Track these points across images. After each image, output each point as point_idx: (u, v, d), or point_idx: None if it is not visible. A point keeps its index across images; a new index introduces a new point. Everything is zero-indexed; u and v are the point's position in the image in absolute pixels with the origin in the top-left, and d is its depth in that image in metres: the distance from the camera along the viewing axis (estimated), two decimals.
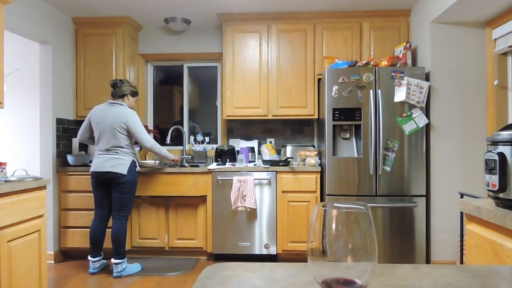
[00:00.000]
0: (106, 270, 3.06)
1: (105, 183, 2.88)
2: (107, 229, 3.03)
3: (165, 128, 4.15)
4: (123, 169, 2.81)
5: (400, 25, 3.47)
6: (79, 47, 3.64)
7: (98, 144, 2.89)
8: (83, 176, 3.32)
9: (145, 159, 3.87)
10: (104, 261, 3.10)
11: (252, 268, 0.66)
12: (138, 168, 2.97)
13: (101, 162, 2.82)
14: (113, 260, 2.87)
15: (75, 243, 3.33)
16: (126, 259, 2.94)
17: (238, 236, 3.24)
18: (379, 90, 2.94)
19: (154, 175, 3.23)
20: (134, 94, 3.02)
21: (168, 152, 3.13)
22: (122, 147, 2.85)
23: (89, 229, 3.29)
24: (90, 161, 3.60)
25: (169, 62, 4.10)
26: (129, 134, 2.88)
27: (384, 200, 2.96)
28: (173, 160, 3.22)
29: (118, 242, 2.86)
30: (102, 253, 3.00)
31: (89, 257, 2.96)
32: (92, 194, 3.30)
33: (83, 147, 3.80)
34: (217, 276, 0.62)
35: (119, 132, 2.82)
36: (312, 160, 3.24)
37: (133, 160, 2.89)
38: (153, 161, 3.34)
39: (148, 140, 2.88)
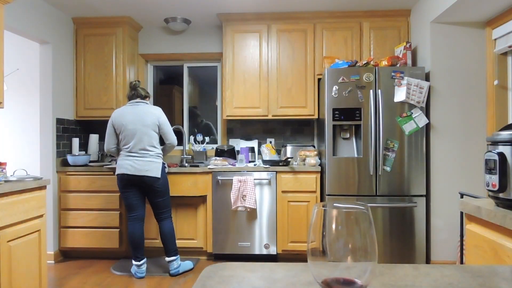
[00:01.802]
0: (105, 269, 3.06)
1: (136, 185, 2.82)
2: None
3: None
4: (158, 173, 2.79)
5: (400, 25, 3.47)
6: (79, 47, 3.63)
7: (126, 146, 2.81)
8: (83, 176, 3.32)
9: None
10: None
11: (252, 268, 0.66)
12: (167, 169, 2.99)
13: (133, 165, 2.75)
14: (168, 259, 2.89)
15: (75, 243, 3.33)
16: (179, 256, 2.95)
17: (238, 236, 3.24)
18: (379, 90, 2.94)
19: None
20: (150, 97, 3.09)
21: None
22: (155, 148, 2.83)
23: (90, 229, 3.30)
24: (91, 161, 3.60)
25: (169, 62, 4.10)
26: (159, 133, 2.89)
27: (384, 200, 2.96)
28: None
29: (171, 239, 2.88)
30: (144, 255, 2.90)
31: (133, 262, 2.85)
32: (93, 194, 3.30)
33: (83, 147, 3.80)
34: (217, 276, 0.62)
35: (153, 131, 2.81)
36: (312, 160, 3.24)
37: (163, 162, 2.90)
38: None
39: (175, 138, 2.94)
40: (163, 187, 2.87)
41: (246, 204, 3.14)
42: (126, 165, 2.77)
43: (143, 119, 2.80)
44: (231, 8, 3.43)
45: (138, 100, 2.91)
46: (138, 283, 2.79)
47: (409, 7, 3.39)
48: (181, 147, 3.94)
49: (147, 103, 2.93)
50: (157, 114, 2.86)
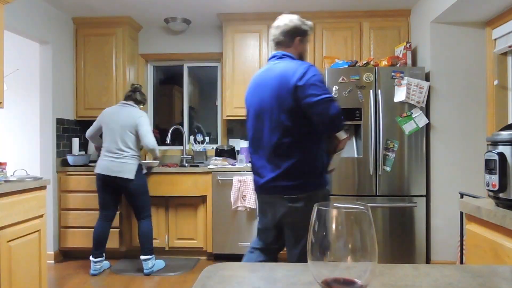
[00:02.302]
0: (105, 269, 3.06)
1: (111, 186, 2.87)
2: (113, 229, 3.01)
3: (165, 128, 4.14)
4: (130, 174, 2.81)
5: (400, 25, 3.47)
6: (79, 47, 3.63)
7: (105, 144, 2.89)
8: (83, 176, 3.32)
9: (145, 159, 3.87)
10: (106, 262, 3.08)
11: (252, 268, 0.66)
12: (144, 171, 2.99)
13: (108, 165, 2.80)
14: (142, 257, 2.91)
15: (75, 243, 3.33)
16: (154, 256, 2.97)
17: (238, 236, 3.24)
18: (379, 90, 2.94)
19: (154, 175, 3.23)
20: (145, 103, 3.14)
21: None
22: (130, 149, 2.85)
23: (89, 229, 3.29)
24: (91, 161, 3.60)
25: (169, 62, 4.10)
26: (137, 135, 2.89)
27: (384, 200, 2.96)
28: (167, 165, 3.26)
29: (147, 239, 2.90)
30: (104, 254, 2.97)
31: (91, 258, 2.92)
32: (93, 194, 3.30)
33: (83, 147, 3.80)
34: (217, 276, 0.62)
35: (129, 132, 2.85)
36: None
37: (139, 164, 2.90)
38: (157, 161, 3.32)
39: (153, 141, 2.87)
40: (139, 188, 2.88)
41: (246, 204, 3.15)
42: (102, 165, 2.84)
43: (123, 120, 2.86)
44: (231, 8, 3.42)
45: (126, 101, 2.98)
46: (138, 283, 2.79)
47: (409, 7, 3.39)
48: (181, 147, 3.94)
49: (134, 106, 2.97)
50: (137, 116, 2.89)
